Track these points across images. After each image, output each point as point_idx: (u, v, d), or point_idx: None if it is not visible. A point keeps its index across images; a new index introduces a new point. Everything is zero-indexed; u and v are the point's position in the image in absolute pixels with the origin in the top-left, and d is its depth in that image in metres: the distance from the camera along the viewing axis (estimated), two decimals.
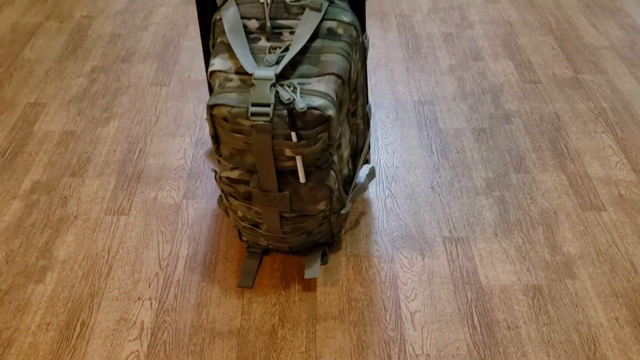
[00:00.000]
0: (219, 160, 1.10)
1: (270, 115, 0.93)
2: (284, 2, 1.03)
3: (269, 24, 1.02)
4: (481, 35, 1.96)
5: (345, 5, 1.06)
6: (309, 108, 0.93)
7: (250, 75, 0.98)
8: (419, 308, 1.17)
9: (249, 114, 0.93)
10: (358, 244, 1.30)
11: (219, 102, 0.95)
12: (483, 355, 1.09)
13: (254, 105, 0.93)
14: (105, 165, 1.49)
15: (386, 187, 1.42)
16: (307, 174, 1.01)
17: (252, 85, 0.94)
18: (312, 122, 0.94)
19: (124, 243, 1.30)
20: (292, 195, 1.04)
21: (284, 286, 1.21)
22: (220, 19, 1.04)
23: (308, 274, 1.19)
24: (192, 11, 2.09)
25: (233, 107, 0.95)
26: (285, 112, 0.94)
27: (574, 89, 1.73)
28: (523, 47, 1.90)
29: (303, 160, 0.98)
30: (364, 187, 1.26)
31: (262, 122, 0.93)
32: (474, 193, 1.41)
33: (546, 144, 1.54)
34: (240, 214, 1.15)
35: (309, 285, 1.21)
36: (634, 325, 1.14)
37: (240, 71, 0.99)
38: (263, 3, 1.02)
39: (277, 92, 0.94)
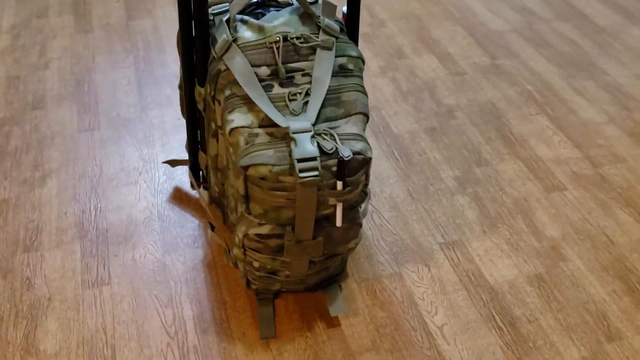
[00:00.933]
0: (225, 216, 1.02)
1: (320, 169, 0.89)
2: (293, 44, 0.98)
3: (283, 70, 0.96)
4: (396, 32, 2.00)
5: (346, 37, 1.03)
6: (354, 154, 0.90)
7: (278, 127, 0.92)
8: (444, 321, 1.19)
9: (297, 171, 0.88)
10: (362, 267, 1.29)
11: (256, 161, 0.89)
12: (519, 355, 1.14)
13: (299, 161, 0.88)
14: (61, 232, 1.33)
15: (368, 203, 1.42)
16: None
17: (292, 139, 0.89)
18: (356, 167, 0.91)
19: (119, 317, 1.18)
20: (325, 239, 1.00)
21: (308, 327, 1.18)
22: (226, 69, 0.96)
23: (334, 311, 1.16)
24: (93, 40, 1.91)
25: (274, 165, 0.89)
26: (328, 162, 0.90)
27: (497, 75, 1.83)
28: (438, 39, 1.97)
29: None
30: (365, 212, 1.25)
31: (311, 178, 0.88)
32: (449, 194, 1.46)
33: (494, 134, 1.63)
34: (257, 265, 1.09)
35: (332, 321, 1.19)
36: (629, 294, 1.25)
37: (265, 124, 0.93)
38: (271, 48, 0.96)
39: (317, 142, 0.90)
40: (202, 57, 1.02)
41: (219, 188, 1.19)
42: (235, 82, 0.96)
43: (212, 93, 1.00)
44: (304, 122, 0.91)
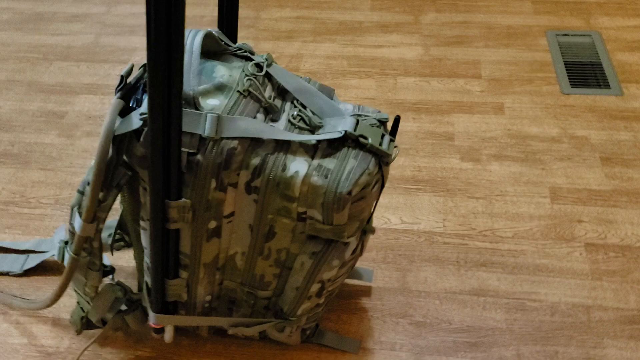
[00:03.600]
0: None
1: (391, 138, 0.91)
2: (255, 77, 0.89)
3: (273, 102, 0.89)
4: None
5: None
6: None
7: (322, 145, 0.88)
8: (398, 216, 1.37)
9: (387, 152, 0.88)
10: None
11: (353, 179, 0.85)
12: (448, 195, 1.43)
13: (380, 144, 0.89)
14: None
15: None
16: None
17: (358, 137, 0.87)
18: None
19: None
20: None
21: (362, 311, 1.20)
22: (239, 142, 0.82)
23: (368, 278, 1.21)
24: None
25: (367, 167, 0.87)
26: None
27: None
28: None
29: None
30: None
31: (396, 146, 0.91)
32: None
33: None
34: (322, 300, 1.05)
35: (365, 290, 1.23)
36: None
37: (312, 154, 0.87)
38: (248, 95, 0.87)
39: (367, 124, 0.91)
40: (178, 167, 0.82)
41: (215, 292, 1.02)
42: (257, 146, 0.85)
43: (227, 181, 0.85)
44: (341, 120, 0.90)
